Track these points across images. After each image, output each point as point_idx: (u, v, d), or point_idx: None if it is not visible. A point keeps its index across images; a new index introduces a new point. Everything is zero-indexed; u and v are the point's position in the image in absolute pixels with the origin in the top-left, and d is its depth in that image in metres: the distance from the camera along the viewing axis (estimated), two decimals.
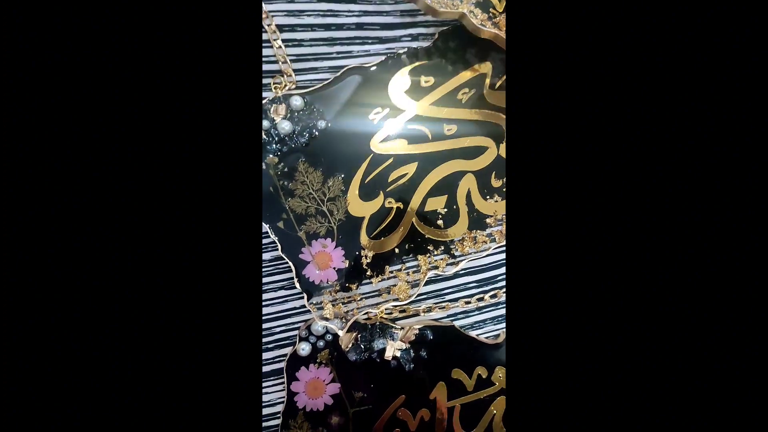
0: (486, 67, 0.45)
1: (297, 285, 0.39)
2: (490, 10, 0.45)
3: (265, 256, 0.41)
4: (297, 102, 0.42)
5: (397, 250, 0.41)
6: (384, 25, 0.44)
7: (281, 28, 0.41)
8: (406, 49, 0.44)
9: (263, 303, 0.41)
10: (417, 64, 0.44)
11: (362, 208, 0.42)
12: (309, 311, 0.41)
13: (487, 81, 0.45)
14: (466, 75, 0.45)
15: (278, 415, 0.40)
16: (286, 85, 0.43)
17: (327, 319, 0.39)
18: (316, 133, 0.42)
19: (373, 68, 0.43)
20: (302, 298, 0.41)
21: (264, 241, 0.42)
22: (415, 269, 0.41)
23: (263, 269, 0.42)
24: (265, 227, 0.40)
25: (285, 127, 0.41)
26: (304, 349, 0.40)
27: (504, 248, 0.43)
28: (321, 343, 0.41)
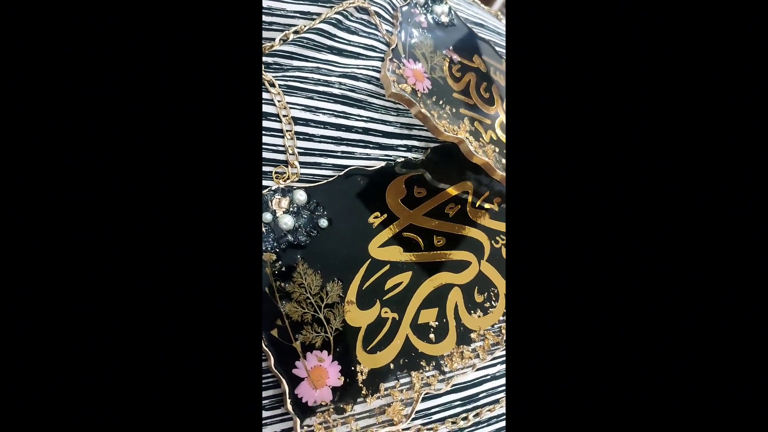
0: (468, 186, 0.49)
1: (289, 407, 0.34)
2: (480, 139, 0.50)
3: None
4: (301, 197, 0.39)
5: (392, 366, 0.39)
6: (385, 133, 0.45)
7: (296, 120, 0.40)
8: (403, 159, 0.46)
9: None
10: (411, 174, 0.46)
11: (359, 318, 0.39)
12: None
13: (470, 199, 0.49)
14: (451, 191, 0.48)
15: None
16: (288, 177, 0.40)
17: None
18: (316, 232, 0.40)
19: (373, 173, 0.44)
20: (287, 420, 0.35)
21: None
22: (408, 386, 0.39)
23: None
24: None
25: (287, 222, 0.38)
26: None
27: (488, 364, 0.43)
28: None
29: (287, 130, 0.39)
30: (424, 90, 0.47)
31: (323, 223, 0.40)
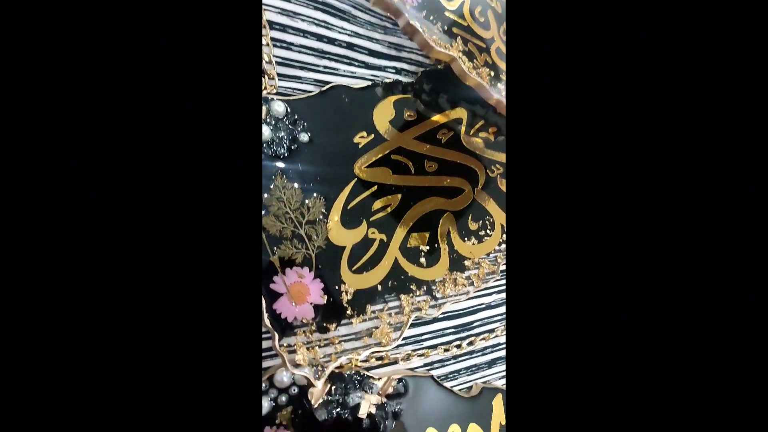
0: (462, 113, 0.46)
1: (266, 322, 0.31)
2: (474, 60, 0.47)
3: None
4: (279, 108, 0.36)
5: (379, 288, 0.37)
6: (372, 51, 0.42)
7: (272, 24, 0.36)
8: (390, 80, 0.43)
9: None
10: (400, 96, 0.43)
11: (344, 237, 0.37)
12: (271, 356, 0.33)
13: (463, 127, 0.46)
14: (442, 118, 0.45)
15: None
16: (266, 87, 0.37)
17: (299, 366, 0.32)
18: (296, 146, 0.37)
19: (360, 91, 0.41)
20: (266, 339, 0.33)
21: None
22: (397, 310, 0.37)
23: None
24: None
25: (263, 132, 0.35)
26: (263, 406, 0.32)
27: (483, 293, 0.41)
28: (283, 398, 0.33)
29: (263, 34, 0.36)
30: (413, 3, 0.43)
31: (304, 137, 0.37)
